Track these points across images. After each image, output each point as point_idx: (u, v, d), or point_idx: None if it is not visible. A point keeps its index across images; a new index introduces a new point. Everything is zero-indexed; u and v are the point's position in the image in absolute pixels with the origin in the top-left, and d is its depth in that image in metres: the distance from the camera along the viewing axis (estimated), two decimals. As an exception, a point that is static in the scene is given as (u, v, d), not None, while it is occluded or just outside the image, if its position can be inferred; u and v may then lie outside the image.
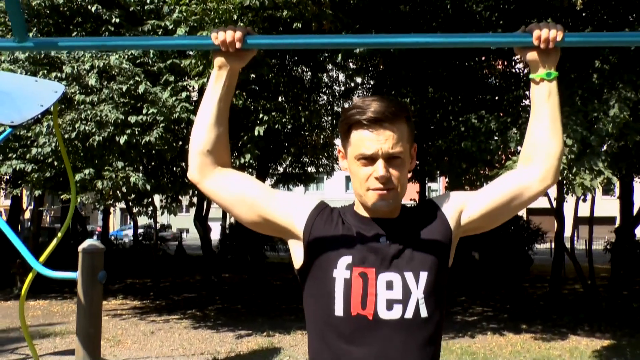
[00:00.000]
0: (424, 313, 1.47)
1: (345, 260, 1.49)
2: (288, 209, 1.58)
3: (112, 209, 23.34)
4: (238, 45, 1.52)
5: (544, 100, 1.60)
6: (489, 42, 1.65)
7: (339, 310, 1.47)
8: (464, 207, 1.62)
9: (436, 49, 9.59)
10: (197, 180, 1.60)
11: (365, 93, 14.35)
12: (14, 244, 3.47)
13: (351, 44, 1.66)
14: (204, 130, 1.58)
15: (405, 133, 1.51)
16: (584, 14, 8.36)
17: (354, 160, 1.51)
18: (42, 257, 4.26)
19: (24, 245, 3.46)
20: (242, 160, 9.57)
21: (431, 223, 1.58)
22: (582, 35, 1.63)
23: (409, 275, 1.48)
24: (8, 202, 21.77)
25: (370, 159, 1.48)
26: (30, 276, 3.94)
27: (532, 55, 1.58)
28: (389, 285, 1.46)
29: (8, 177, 15.46)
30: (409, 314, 1.46)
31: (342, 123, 1.53)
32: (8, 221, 19.04)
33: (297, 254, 1.59)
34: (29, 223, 14.63)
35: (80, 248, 3.24)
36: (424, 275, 1.49)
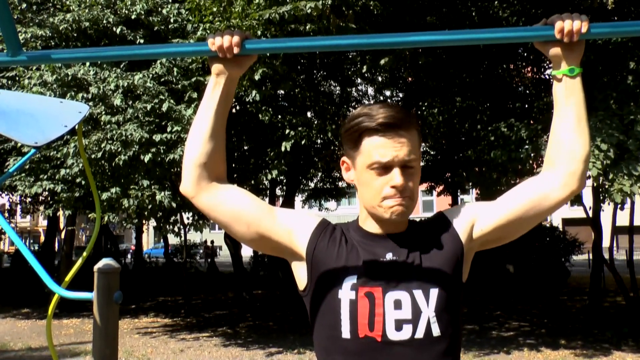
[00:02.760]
0: (436, 332, 1.38)
1: (350, 280, 1.41)
2: (289, 228, 1.49)
3: (144, 227, 23.58)
4: (236, 50, 1.42)
5: (566, 98, 1.46)
6: (507, 37, 1.52)
7: (345, 333, 1.39)
8: (476, 220, 1.50)
9: (463, 57, 9.45)
10: (192, 195, 1.50)
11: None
12: (30, 262, 3.42)
13: (357, 44, 1.55)
14: (200, 141, 1.48)
15: (417, 141, 1.43)
16: (615, 17, 8.11)
17: (366, 169, 1.41)
18: (68, 277, 4.22)
19: (39, 263, 3.42)
20: (270, 176, 9.54)
21: (440, 237, 1.47)
22: (609, 26, 1.48)
23: (418, 293, 1.39)
24: (46, 223, 22.19)
25: (384, 168, 1.39)
26: (56, 296, 3.89)
27: (554, 50, 1.44)
28: (398, 305, 1.38)
29: (42, 198, 15.78)
30: (419, 334, 1.37)
31: (349, 131, 1.43)
32: (45, 241, 19.42)
33: (300, 274, 1.51)
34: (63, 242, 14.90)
35: (95, 268, 3.17)
36: (434, 293, 1.40)
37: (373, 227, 1.47)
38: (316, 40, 1.52)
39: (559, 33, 1.39)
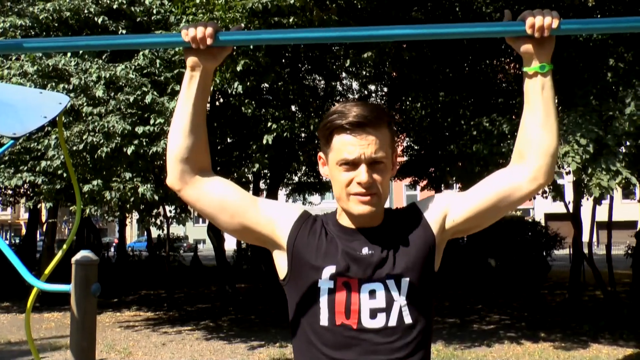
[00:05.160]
0: (408, 320, 1.45)
1: (329, 270, 1.46)
2: (271, 218, 1.55)
3: (128, 221, 23.39)
4: (209, 41, 1.45)
5: (537, 94, 1.50)
6: (478, 32, 1.54)
7: (324, 320, 1.45)
8: (447, 211, 1.55)
9: (447, 52, 9.49)
10: (178, 188, 1.55)
11: (379, 100, 14.29)
12: (6, 255, 3.39)
13: (329, 37, 1.56)
14: (181, 136, 1.52)
15: (387, 138, 1.48)
16: (598, 14, 8.19)
17: (336, 165, 1.48)
18: (47, 270, 4.18)
19: (17, 256, 3.39)
20: (252, 170, 9.53)
21: (413, 228, 1.53)
22: (580, 22, 1.51)
23: (390, 283, 1.45)
24: (27, 216, 21.93)
25: (352, 164, 1.45)
26: (34, 290, 3.85)
27: (525, 47, 1.48)
28: (372, 294, 1.45)
29: (23, 190, 15.60)
30: (392, 322, 1.44)
31: (322, 128, 1.50)
32: (26, 234, 19.20)
33: (281, 264, 1.56)
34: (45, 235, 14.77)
35: (73, 260, 3.15)
36: (405, 282, 1.46)
37: (348, 222, 1.53)
38: (289, 32, 1.52)
39: (529, 28, 1.42)
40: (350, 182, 1.45)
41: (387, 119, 1.48)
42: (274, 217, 1.54)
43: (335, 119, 1.44)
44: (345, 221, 1.53)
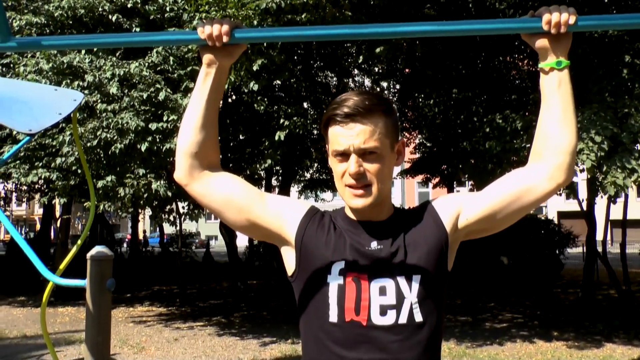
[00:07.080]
0: (418, 318, 1.42)
1: (339, 265, 1.45)
2: (278, 214, 1.53)
3: (141, 217, 23.55)
4: (225, 39, 1.44)
5: (553, 90, 1.46)
6: (494, 29, 1.52)
7: (333, 317, 1.43)
8: (461, 210, 1.52)
9: (460, 48, 9.45)
10: (185, 183, 1.54)
11: (391, 97, 14.27)
12: (23, 250, 3.43)
13: (345, 34, 1.56)
14: (192, 131, 1.51)
15: (382, 127, 1.44)
16: (614, 10, 8.11)
17: (332, 157, 1.48)
18: (62, 265, 4.23)
19: (33, 252, 3.43)
20: (264, 166, 9.56)
21: (425, 226, 1.50)
22: (597, 18, 1.49)
23: (401, 280, 1.43)
24: (42, 211, 22.12)
25: (344, 155, 1.44)
26: (50, 284, 3.90)
27: (541, 42, 1.45)
28: (382, 291, 1.42)
29: (38, 186, 15.75)
30: (402, 319, 1.41)
31: (322, 120, 1.50)
32: (41, 229, 19.39)
33: (289, 260, 1.54)
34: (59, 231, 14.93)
35: (88, 255, 3.19)
36: (417, 279, 1.43)
37: (357, 215, 1.50)
38: (304, 30, 1.53)
39: (546, 25, 1.40)
40: (344, 174, 1.44)
41: (383, 107, 1.44)
42: (282, 212, 1.52)
43: (330, 110, 1.44)
44: (352, 214, 1.52)
